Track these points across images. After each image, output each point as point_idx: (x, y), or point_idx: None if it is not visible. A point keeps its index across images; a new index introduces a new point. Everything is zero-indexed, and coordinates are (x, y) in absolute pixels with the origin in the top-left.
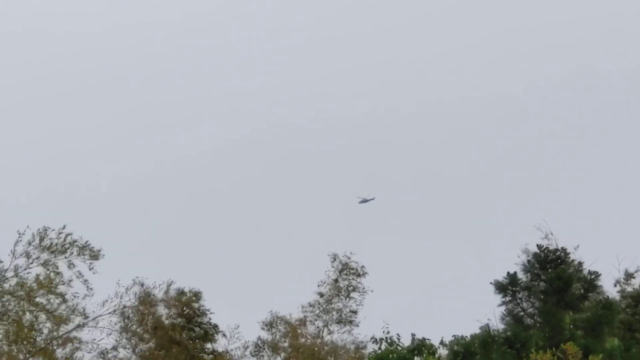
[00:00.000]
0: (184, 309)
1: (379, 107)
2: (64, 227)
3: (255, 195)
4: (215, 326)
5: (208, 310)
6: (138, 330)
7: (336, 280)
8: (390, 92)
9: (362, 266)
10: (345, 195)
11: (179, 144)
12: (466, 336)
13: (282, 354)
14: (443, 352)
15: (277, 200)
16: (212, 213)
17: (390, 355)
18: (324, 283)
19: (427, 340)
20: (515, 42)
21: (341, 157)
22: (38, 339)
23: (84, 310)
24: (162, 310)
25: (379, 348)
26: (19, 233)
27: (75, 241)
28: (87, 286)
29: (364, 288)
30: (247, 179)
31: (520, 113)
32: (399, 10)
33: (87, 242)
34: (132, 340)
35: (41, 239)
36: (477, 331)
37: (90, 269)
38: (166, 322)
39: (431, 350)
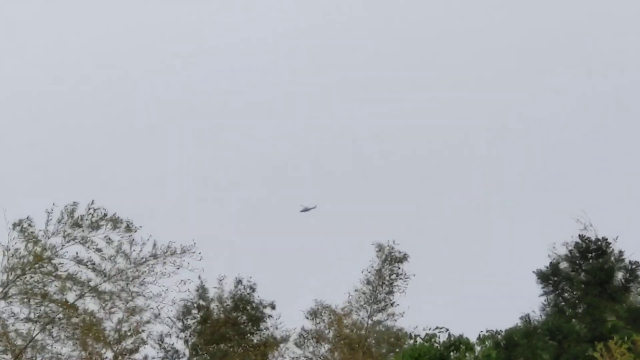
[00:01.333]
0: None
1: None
2: (92, 202)
3: (299, 183)
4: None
5: (262, 302)
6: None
7: (380, 270)
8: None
9: (405, 254)
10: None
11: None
12: (500, 330)
13: (326, 345)
14: (479, 349)
15: (322, 190)
16: (252, 200)
17: (426, 351)
18: (369, 272)
19: (463, 337)
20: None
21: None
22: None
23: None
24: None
25: (415, 342)
26: (48, 212)
27: (105, 215)
28: (129, 259)
29: (406, 275)
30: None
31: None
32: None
33: (115, 214)
34: (187, 333)
35: (70, 216)
36: (511, 325)
37: (130, 242)
38: (220, 316)
39: (468, 346)
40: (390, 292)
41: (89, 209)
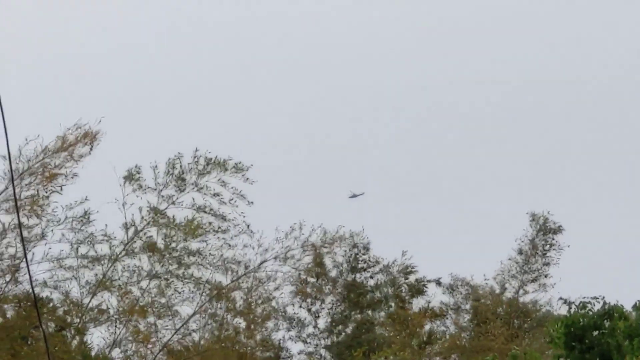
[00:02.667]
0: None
1: None
2: (196, 150)
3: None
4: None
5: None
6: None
7: (533, 240)
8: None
9: (560, 226)
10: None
11: None
12: None
13: (465, 316)
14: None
15: (468, 160)
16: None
17: (580, 319)
18: (522, 241)
19: (618, 305)
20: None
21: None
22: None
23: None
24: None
25: (569, 311)
26: (153, 167)
27: (211, 159)
28: (248, 201)
29: (560, 246)
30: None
31: None
32: None
33: (217, 156)
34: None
35: (173, 167)
36: None
37: (246, 180)
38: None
39: (623, 314)
40: (547, 264)
41: (194, 157)
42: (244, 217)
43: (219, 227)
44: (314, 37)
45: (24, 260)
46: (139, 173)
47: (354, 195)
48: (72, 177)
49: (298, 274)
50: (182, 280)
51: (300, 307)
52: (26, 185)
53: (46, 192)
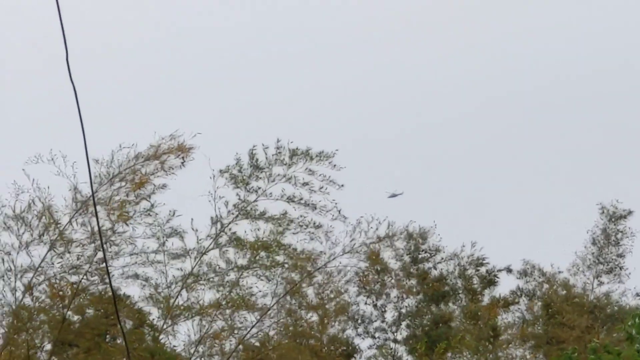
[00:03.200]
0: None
1: None
2: (278, 140)
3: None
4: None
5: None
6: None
7: (605, 229)
8: None
9: (630, 210)
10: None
11: None
12: None
13: (539, 303)
14: None
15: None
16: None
17: None
18: (593, 232)
19: None
20: None
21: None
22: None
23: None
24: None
25: None
26: (237, 159)
27: (295, 150)
28: (338, 185)
29: (632, 232)
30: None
31: None
32: None
33: (297, 148)
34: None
35: (256, 159)
36: None
37: (334, 167)
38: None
39: None
40: (621, 255)
41: (277, 147)
42: (335, 203)
43: (310, 222)
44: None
45: (106, 256)
46: (241, 172)
47: (393, 195)
48: (162, 188)
49: (362, 269)
50: (266, 275)
51: (365, 303)
52: (116, 189)
53: (135, 198)
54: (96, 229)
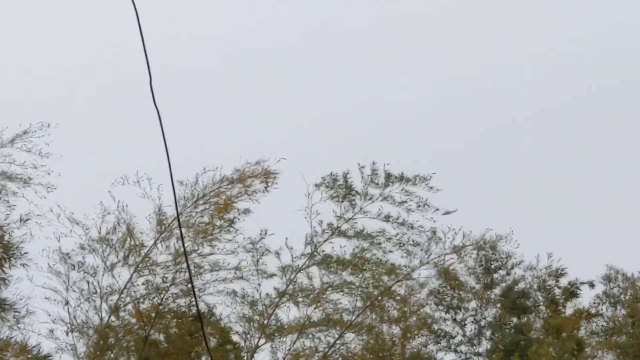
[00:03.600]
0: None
1: None
2: (373, 163)
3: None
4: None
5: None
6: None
7: None
8: None
9: None
10: None
11: None
12: None
13: (622, 310)
14: None
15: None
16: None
17: None
18: None
19: None
20: None
21: None
22: None
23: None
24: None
25: None
26: (334, 178)
27: (391, 174)
28: (434, 208)
29: None
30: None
31: None
32: None
33: (390, 173)
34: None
35: (347, 180)
36: None
37: (430, 189)
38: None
39: None
40: None
41: (372, 169)
42: (434, 222)
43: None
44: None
45: (197, 278)
46: (336, 181)
47: (447, 213)
48: (245, 213)
49: (438, 285)
50: (360, 291)
51: (444, 320)
52: (199, 212)
53: (220, 221)
54: (180, 250)
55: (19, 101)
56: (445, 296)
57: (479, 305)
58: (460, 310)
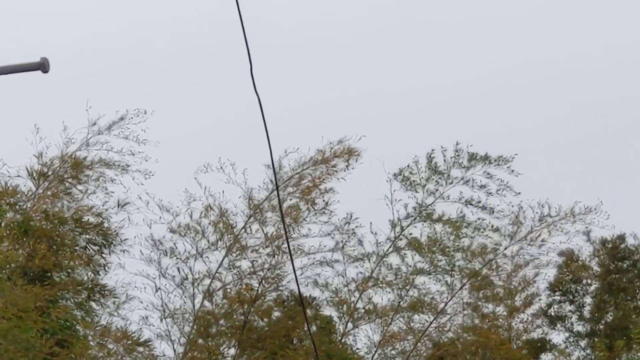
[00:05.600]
0: None
1: None
2: (457, 144)
3: None
4: None
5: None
6: None
7: None
8: None
9: None
10: None
11: None
12: None
13: None
14: None
15: None
16: None
17: None
18: None
19: None
20: None
21: None
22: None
23: None
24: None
25: None
26: (415, 162)
27: (474, 154)
28: (514, 192)
29: None
30: None
31: None
32: None
33: (475, 153)
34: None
35: (433, 161)
36: None
37: (512, 172)
38: None
39: None
40: None
41: (456, 150)
42: (512, 206)
43: (488, 225)
44: None
45: (289, 262)
46: (412, 174)
47: None
48: (330, 192)
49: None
50: (449, 274)
51: (560, 302)
52: (286, 195)
53: (306, 203)
54: (269, 234)
55: (115, 87)
56: (564, 279)
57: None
58: (578, 294)
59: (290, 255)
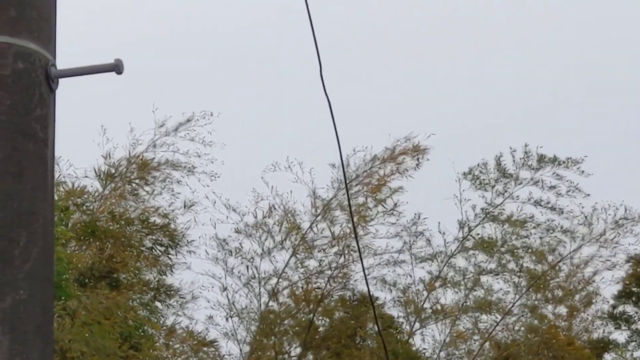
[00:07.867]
0: None
1: None
2: (526, 145)
3: None
4: None
5: None
6: None
7: None
8: None
9: None
10: None
11: None
12: None
13: None
14: None
15: None
16: None
17: None
18: None
19: None
20: None
21: None
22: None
23: None
24: None
25: None
26: (484, 163)
27: (544, 156)
28: (584, 193)
29: None
30: None
31: None
32: None
33: (544, 155)
34: None
35: (501, 164)
36: None
37: (582, 173)
38: None
39: None
40: None
41: (525, 152)
42: (582, 207)
43: (557, 226)
44: None
45: (355, 262)
46: (482, 173)
47: None
48: (399, 190)
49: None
50: (517, 275)
51: (624, 303)
52: (353, 193)
53: (374, 202)
54: (336, 233)
55: (182, 89)
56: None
57: None
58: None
59: (360, 255)
